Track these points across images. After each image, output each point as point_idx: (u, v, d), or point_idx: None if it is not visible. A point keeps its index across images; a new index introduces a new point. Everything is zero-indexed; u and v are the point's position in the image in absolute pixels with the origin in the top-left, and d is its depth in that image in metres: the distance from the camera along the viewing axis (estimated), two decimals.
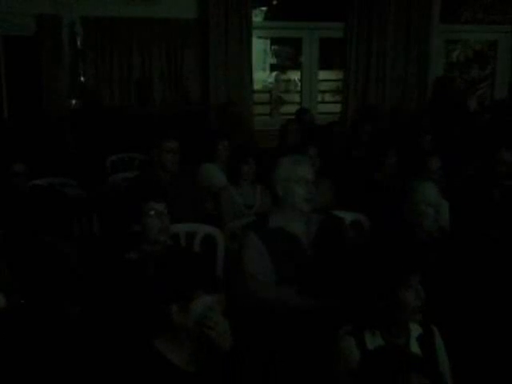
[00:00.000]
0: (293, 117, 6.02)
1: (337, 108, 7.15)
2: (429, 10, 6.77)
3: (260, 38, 7.50)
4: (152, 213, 2.61)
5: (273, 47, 9.48)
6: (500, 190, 3.70)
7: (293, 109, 6.95)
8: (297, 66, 8.02)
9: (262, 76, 9.03)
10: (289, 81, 8.98)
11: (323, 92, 7.78)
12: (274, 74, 9.10)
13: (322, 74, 7.35)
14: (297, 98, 7.37)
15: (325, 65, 7.62)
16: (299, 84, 7.46)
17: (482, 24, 8.07)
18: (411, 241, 2.79)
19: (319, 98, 7.38)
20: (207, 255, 3.12)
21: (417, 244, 2.78)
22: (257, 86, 7.68)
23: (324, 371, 2.14)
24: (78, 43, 6.15)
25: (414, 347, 2.10)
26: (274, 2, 8.32)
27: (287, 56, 9.68)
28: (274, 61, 9.61)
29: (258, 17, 7.65)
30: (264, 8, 8.13)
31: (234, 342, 2.06)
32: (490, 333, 2.58)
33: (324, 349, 2.16)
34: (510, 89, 7.17)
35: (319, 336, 2.28)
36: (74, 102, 6.23)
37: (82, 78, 6.24)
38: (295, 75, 8.43)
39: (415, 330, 2.14)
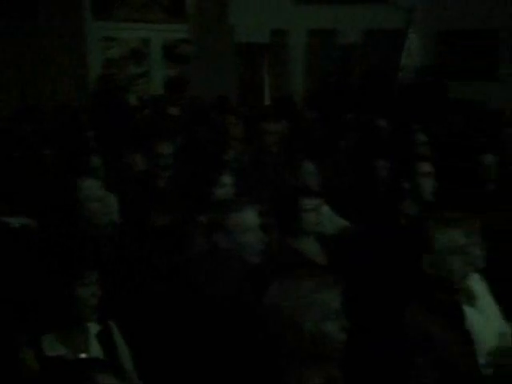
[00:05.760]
0: None
1: None
2: (80, 6, 6.73)
3: None
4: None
5: None
6: None
7: None
8: None
9: None
10: None
11: None
12: None
13: None
14: None
15: None
16: None
17: (138, 22, 8.37)
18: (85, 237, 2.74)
19: None
20: None
21: (94, 240, 2.74)
22: None
23: None
24: None
25: (95, 346, 2.09)
26: None
27: None
28: None
29: None
30: None
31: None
32: None
33: None
34: (165, 84, 7.64)
35: None
36: None
37: None
38: None
39: (93, 328, 2.12)
